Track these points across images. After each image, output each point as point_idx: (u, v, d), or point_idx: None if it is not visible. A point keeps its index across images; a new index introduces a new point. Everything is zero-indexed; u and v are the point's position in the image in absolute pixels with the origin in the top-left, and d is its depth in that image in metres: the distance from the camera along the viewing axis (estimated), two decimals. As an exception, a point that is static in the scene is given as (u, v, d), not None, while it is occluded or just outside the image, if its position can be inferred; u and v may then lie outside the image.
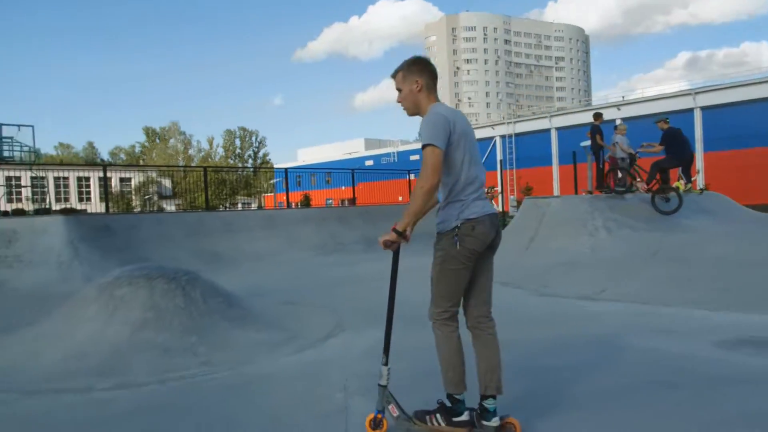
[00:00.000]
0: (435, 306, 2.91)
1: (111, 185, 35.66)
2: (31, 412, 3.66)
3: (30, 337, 5.13)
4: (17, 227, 9.93)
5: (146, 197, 42.50)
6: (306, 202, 29.84)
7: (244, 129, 79.62)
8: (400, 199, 25.27)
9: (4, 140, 18.08)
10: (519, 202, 38.48)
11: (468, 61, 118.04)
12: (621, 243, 9.25)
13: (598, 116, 11.85)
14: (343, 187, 30.88)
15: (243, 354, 4.80)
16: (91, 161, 70.10)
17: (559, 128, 44.90)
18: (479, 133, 54.56)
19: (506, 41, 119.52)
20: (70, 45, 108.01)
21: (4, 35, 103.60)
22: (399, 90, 3.04)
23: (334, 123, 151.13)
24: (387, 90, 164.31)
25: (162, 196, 46.81)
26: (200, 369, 4.43)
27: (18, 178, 26.24)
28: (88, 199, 43.96)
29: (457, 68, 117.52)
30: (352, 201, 24.01)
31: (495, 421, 2.81)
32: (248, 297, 6.74)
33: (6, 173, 20.82)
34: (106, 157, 78.32)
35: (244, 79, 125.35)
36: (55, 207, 23.81)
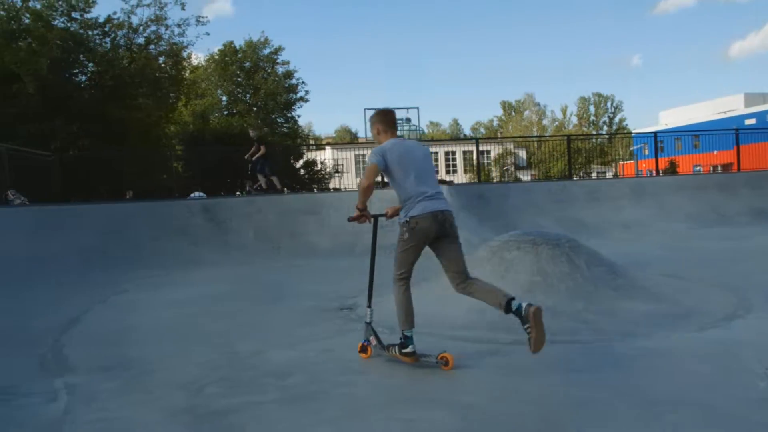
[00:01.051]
0: (394, 270, 4.03)
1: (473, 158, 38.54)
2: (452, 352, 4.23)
3: (437, 289, 5.92)
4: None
5: (504, 168, 44.76)
6: (672, 168, 27.15)
7: (598, 95, 76.46)
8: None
9: (396, 121, 21.37)
10: None
11: None
12: None
13: None
14: (715, 152, 26.93)
15: (633, 325, 4.64)
16: (456, 137, 77.08)
17: None
18: None
19: None
20: (432, 33, 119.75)
21: (384, 35, 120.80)
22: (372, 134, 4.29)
23: (703, 79, 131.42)
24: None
25: (518, 167, 48.65)
26: (591, 335, 4.46)
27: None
28: (454, 171, 48.60)
29: None
30: (727, 166, 20.76)
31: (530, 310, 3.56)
32: (627, 267, 6.48)
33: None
34: (467, 132, 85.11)
35: (598, 42, 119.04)
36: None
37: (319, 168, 28.19)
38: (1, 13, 19.88)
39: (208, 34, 51.64)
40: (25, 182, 12.17)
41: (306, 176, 28.34)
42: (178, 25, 23.37)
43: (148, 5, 22.36)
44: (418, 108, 22.34)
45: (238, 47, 31.25)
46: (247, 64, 31.05)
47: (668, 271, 7.17)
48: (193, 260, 10.07)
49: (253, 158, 14.27)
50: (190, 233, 10.86)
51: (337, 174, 24.82)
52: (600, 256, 5.79)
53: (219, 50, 31.11)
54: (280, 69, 31.89)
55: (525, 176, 40.78)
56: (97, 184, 17.13)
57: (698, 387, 3.32)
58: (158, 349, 4.82)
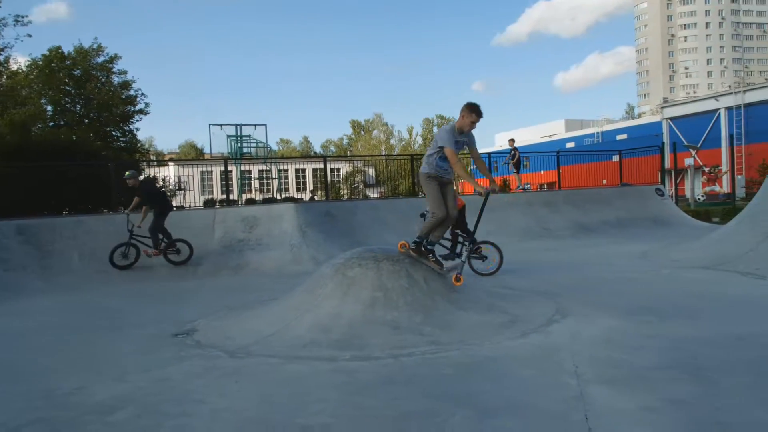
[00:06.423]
0: None
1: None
2: (292, 374, 4.17)
3: (279, 309, 5.83)
4: (257, 214, 11.35)
5: (353, 186, 45.61)
6: (505, 187, 29.49)
7: (441, 117, 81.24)
8: (604, 182, 23.61)
9: (243, 138, 20.82)
10: (749, 183, 33.73)
11: (685, 26, 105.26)
12: None
13: None
14: (542, 171, 29.84)
15: (468, 335, 4.92)
16: (307, 154, 77.13)
17: (805, 94, 38.22)
18: (700, 106, 49.07)
19: (732, 0, 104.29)
20: (284, 52, 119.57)
21: (238, 52, 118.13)
22: None
23: (533, 105, 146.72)
24: (591, 67, 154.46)
25: (367, 185, 49.85)
26: (429, 347, 4.64)
27: (249, 172, 29.90)
28: (304, 188, 48.54)
29: (672, 36, 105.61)
30: (551, 185, 22.97)
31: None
32: (468, 279, 6.86)
33: (242, 167, 23.88)
34: (318, 149, 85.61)
35: (443, 68, 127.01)
36: (278, 197, 26.72)
37: (161, 185, 26.61)
38: None
39: (29, 35, 46.52)
40: None
41: (146, 193, 26.60)
42: (-8, 25, 20.89)
43: (-47, 0, 19.71)
44: (265, 125, 21.97)
45: (66, 53, 28.55)
46: (77, 72, 28.48)
47: (501, 282, 7.74)
48: (9, 288, 8.94)
49: None
50: (2, 258, 9.64)
51: (180, 191, 23.60)
52: (437, 272, 6.08)
53: (43, 55, 28.19)
54: (117, 79, 29.70)
55: (374, 194, 41.86)
56: None
57: (522, 390, 3.60)
58: (-43, 393, 4.18)
